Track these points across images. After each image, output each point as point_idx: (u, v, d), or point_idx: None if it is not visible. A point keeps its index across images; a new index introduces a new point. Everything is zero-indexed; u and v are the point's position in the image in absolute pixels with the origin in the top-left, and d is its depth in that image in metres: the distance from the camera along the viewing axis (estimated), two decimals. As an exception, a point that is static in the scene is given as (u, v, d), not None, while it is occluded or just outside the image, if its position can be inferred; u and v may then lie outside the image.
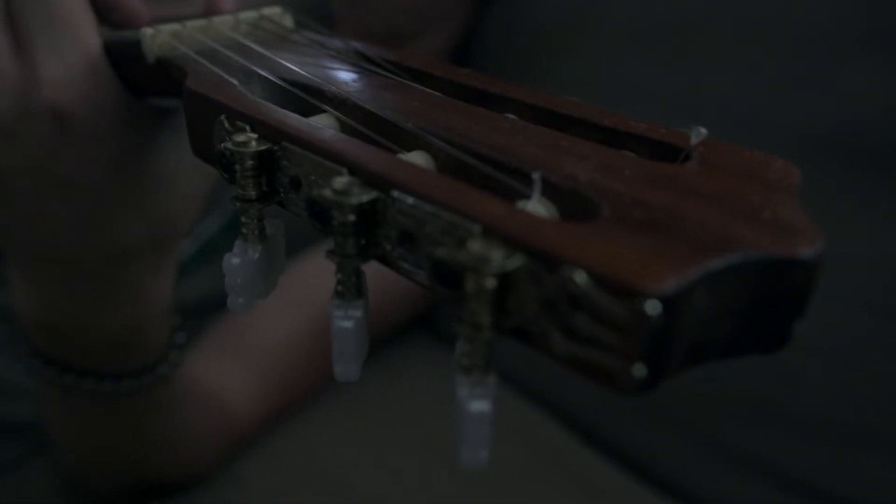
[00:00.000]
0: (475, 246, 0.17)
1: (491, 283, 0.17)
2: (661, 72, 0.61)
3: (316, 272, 0.62)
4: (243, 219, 0.23)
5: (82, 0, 0.31)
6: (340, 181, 0.19)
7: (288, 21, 0.32)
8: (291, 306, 0.62)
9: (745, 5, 0.61)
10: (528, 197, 0.20)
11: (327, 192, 0.19)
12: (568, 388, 0.61)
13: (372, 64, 0.29)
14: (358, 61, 0.29)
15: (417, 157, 0.22)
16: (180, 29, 0.29)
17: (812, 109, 0.55)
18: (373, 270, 0.22)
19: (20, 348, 0.42)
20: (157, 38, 0.29)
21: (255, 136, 0.22)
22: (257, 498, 0.56)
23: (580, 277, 0.16)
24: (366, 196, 0.19)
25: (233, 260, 0.23)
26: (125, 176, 0.34)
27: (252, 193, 0.23)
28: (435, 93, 0.25)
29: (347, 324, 0.20)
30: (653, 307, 0.15)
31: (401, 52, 0.29)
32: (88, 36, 0.30)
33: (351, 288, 0.21)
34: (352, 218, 0.19)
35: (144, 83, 0.31)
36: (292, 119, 0.22)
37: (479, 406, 0.17)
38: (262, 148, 0.22)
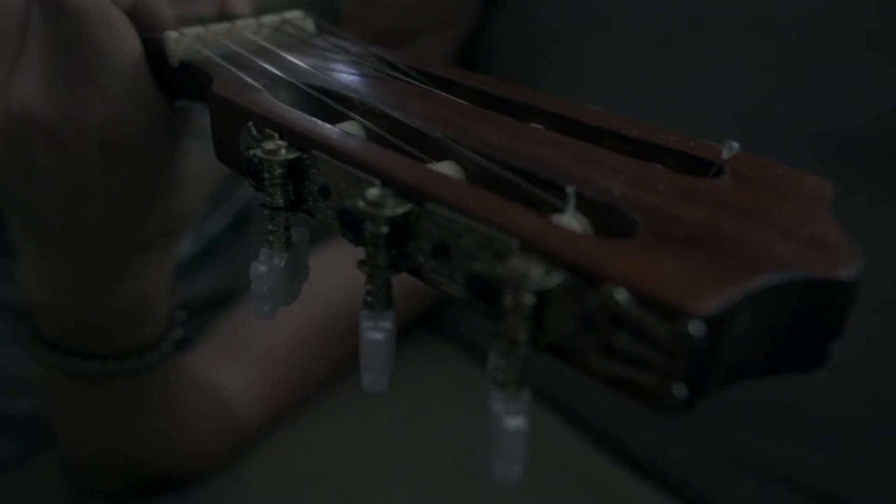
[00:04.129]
0: (515, 261, 0.17)
1: (530, 299, 0.16)
2: (671, 72, 0.61)
3: (320, 270, 0.62)
4: (270, 226, 0.23)
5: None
6: (373, 193, 0.19)
7: (310, 25, 0.32)
8: (295, 304, 0.62)
9: (755, 4, 0.61)
10: (560, 210, 0.19)
11: (360, 204, 0.19)
12: (576, 390, 0.61)
13: (395, 70, 0.28)
14: (381, 67, 0.29)
15: (447, 168, 0.22)
16: (203, 32, 0.29)
17: (822, 109, 0.55)
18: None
19: (22, 334, 0.42)
20: (181, 42, 0.29)
21: (284, 143, 0.22)
22: (260, 498, 0.55)
23: (621, 295, 0.16)
24: (400, 208, 0.19)
25: (259, 268, 0.23)
26: (155, 182, 0.34)
27: (280, 201, 0.22)
28: (462, 101, 0.25)
29: (378, 335, 0.20)
30: (697, 327, 0.15)
31: (424, 58, 0.29)
32: (130, 38, 0.30)
33: (381, 299, 0.20)
34: (385, 230, 0.19)
35: (168, 86, 0.31)
36: (323, 128, 0.22)
37: (515, 422, 0.17)
38: (292, 157, 0.22)
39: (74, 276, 0.38)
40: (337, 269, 0.51)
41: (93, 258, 0.37)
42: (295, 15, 0.32)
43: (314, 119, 0.23)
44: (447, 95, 0.26)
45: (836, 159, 0.54)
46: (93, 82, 0.29)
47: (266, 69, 0.27)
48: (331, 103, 0.25)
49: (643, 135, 0.23)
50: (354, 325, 0.21)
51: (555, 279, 0.16)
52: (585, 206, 0.19)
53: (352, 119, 0.25)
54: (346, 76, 0.27)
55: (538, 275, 0.16)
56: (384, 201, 0.19)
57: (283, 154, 0.22)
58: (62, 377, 0.43)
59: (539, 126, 0.25)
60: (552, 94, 0.27)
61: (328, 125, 0.23)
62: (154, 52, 0.30)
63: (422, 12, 0.71)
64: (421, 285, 0.20)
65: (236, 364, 0.58)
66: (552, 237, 0.17)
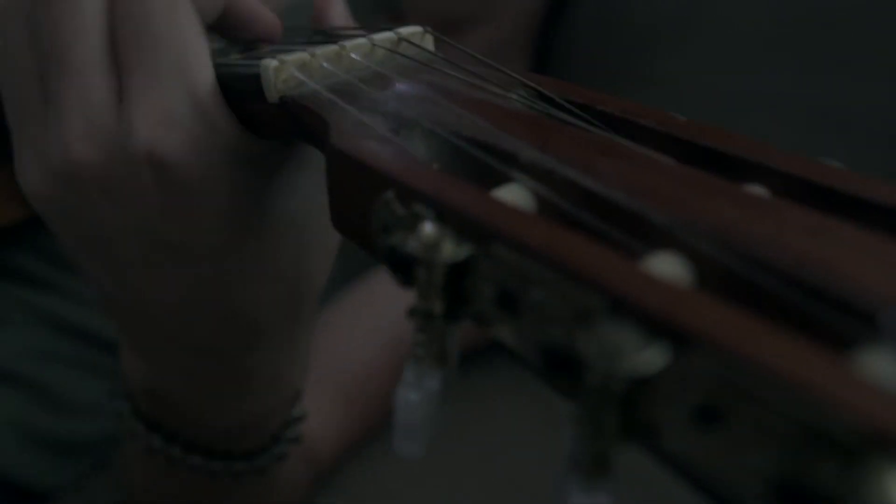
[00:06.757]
0: (875, 478, 0.10)
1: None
2: (792, 77, 0.54)
3: (388, 291, 0.58)
4: (420, 335, 0.17)
5: (192, 25, 0.25)
6: (613, 331, 0.13)
7: (429, 42, 0.26)
8: (367, 329, 0.59)
9: (886, 3, 0.53)
10: (855, 343, 0.13)
11: (591, 348, 0.13)
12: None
13: (550, 104, 0.22)
14: (531, 101, 0.23)
15: (669, 264, 0.16)
16: (308, 59, 0.23)
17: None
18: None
19: (118, 406, 0.37)
20: (281, 73, 0.22)
21: (447, 231, 0.16)
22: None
23: None
24: (659, 357, 0.13)
25: (409, 396, 0.17)
26: (246, 232, 0.28)
27: (438, 308, 0.16)
28: (663, 158, 0.19)
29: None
30: None
31: (581, 89, 0.23)
32: (195, 69, 0.24)
33: (602, 464, 0.14)
34: (622, 388, 0.13)
35: (264, 125, 0.25)
36: (507, 210, 0.16)
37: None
38: (463, 256, 0.16)
39: (181, 375, 0.32)
40: (406, 296, 0.46)
41: (197, 352, 0.31)
42: (412, 31, 0.26)
43: (489, 194, 0.17)
44: (642, 149, 0.19)
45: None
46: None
47: (393, 109, 0.21)
48: (489, 161, 0.19)
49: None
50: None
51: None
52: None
53: (516, 182, 0.18)
54: (496, 119, 0.20)
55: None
56: (624, 343, 0.13)
57: (450, 251, 0.16)
58: (158, 460, 0.37)
59: (760, 188, 0.19)
60: (647, 102, 0.21)
61: (511, 203, 0.16)
62: (246, 83, 0.24)
63: None
64: None
65: (314, 396, 0.54)
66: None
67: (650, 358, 0.13)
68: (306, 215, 0.29)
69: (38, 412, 0.54)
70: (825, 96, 0.53)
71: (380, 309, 0.58)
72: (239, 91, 0.25)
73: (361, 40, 0.24)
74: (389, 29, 0.26)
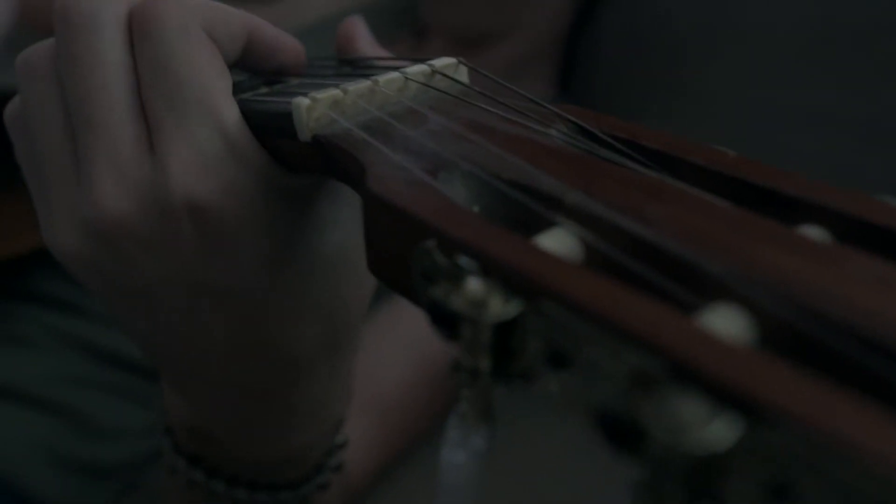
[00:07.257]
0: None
1: None
2: (827, 91, 0.53)
3: (412, 310, 0.57)
4: (466, 391, 0.16)
5: (214, 64, 0.24)
6: (682, 405, 0.12)
7: (463, 75, 0.25)
8: (395, 349, 0.58)
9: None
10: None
11: (654, 420, 0.12)
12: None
13: (592, 139, 0.21)
14: (571, 136, 0.22)
15: (727, 319, 0.15)
16: (341, 97, 0.22)
17: None
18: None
19: (157, 443, 0.37)
20: (313, 111, 0.22)
21: (495, 287, 0.15)
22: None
23: None
24: (728, 431, 0.12)
25: (456, 456, 0.16)
26: (285, 269, 0.27)
27: (486, 365, 0.16)
28: (717, 200, 0.18)
29: None
30: None
31: (624, 123, 0.22)
32: (222, 107, 0.24)
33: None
34: (687, 462, 0.12)
35: (296, 162, 0.24)
36: (559, 265, 0.15)
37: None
38: (512, 314, 0.15)
39: (225, 413, 0.31)
40: None
41: (240, 391, 0.30)
42: (446, 62, 0.25)
43: (534, 243, 0.16)
44: (693, 190, 0.18)
45: None
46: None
47: (429, 148, 0.20)
48: (532, 205, 0.18)
49: None
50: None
51: None
52: None
53: (560, 227, 0.18)
54: (538, 158, 0.20)
55: None
56: (690, 416, 0.12)
57: (498, 309, 0.15)
58: (200, 494, 0.36)
59: (815, 229, 0.18)
60: (675, 114, 0.20)
61: (559, 253, 0.16)
62: (278, 121, 0.23)
63: (503, 6, 0.65)
64: None
65: (350, 417, 0.54)
66: None
67: (719, 432, 0.12)
68: (344, 247, 0.29)
69: (68, 436, 0.54)
70: (860, 110, 0.51)
71: (406, 327, 0.58)
72: (269, 128, 0.24)
73: (394, 74, 0.24)
74: (422, 61, 0.25)
